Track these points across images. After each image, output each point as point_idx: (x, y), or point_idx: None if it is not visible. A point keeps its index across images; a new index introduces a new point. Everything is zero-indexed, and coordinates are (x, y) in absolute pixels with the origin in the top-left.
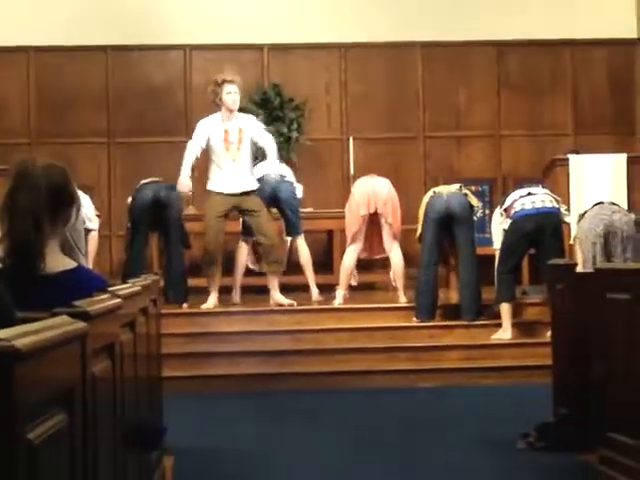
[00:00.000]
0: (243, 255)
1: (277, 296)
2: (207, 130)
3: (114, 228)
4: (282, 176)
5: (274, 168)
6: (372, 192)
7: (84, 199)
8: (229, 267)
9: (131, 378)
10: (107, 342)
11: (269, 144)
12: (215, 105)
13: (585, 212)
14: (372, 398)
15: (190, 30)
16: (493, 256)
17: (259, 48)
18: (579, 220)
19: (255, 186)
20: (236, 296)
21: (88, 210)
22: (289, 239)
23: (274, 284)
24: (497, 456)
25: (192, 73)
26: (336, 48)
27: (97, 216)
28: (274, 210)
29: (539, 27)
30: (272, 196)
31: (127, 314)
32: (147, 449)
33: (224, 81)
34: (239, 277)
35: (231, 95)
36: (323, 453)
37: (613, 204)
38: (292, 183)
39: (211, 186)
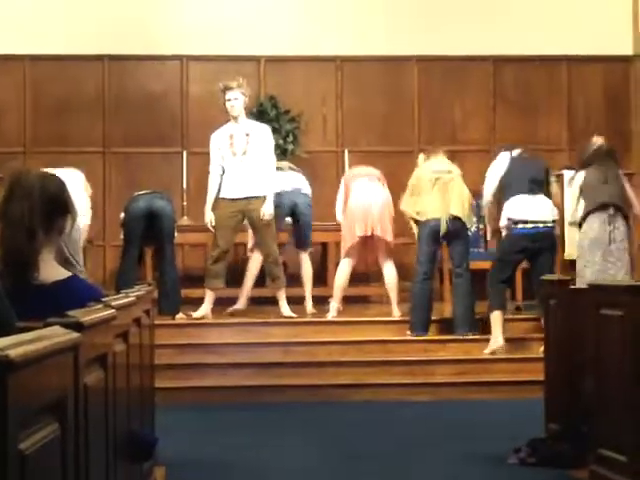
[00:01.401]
0: (256, 265)
1: (283, 308)
2: (217, 143)
3: (108, 238)
4: (298, 189)
5: (290, 182)
6: (368, 206)
7: (78, 183)
8: (228, 279)
9: (124, 389)
10: (100, 352)
11: (266, 163)
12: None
13: (587, 214)
14: (364, 411)
15: (187, 41)
16: (487, 270)
17: (256, 60)
18: (581, 223)
19: (264, 193)
20: (240, 304)
21: (82, 203)
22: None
23: (281, 296)
24: (488, 471)
25: (189, 84)
26: (332, 61)
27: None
28: (288, 219)
29: (535, 43)
30: (290, 208)
31: (120, 325)
32: (139, 460)
33: (225, 87)
34: (249, 285)
35: (230, 102)
36: (314, 465)
37: (616, 209)
38: (308, 195)
39: (220, 194)
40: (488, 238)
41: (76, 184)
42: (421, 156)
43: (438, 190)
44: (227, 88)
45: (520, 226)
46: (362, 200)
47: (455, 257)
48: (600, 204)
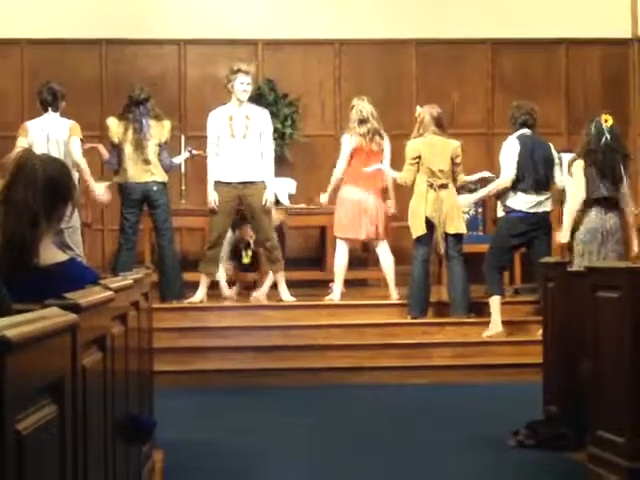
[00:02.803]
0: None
1: (283, 293)
2: (215, 124)
3: (107, 222)
4: None
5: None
6: (363, 208)
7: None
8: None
9: (122, 371)
10: (98, 334)
11: (266, 148)
12: (227, 92)
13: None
14: (362, 394)
15: (185, 25)
16: (483, 254)
17: (254, 43)
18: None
19: (262, 178)
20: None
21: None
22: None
23: (280, 280)
24: (487, 453)
25: (187, 68)
26: (330, 44)
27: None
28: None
29: (534, 26)
30: None
31: (119, 307)
32: (137, 442)
33: (239, 70)
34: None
35: (243, 85)
36: (312, 448)
37: (613, 202)
38: None
39: (217, 176)
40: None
41: (64, 132)
42: (418, 109)
43: (432, 196)
44: (244, 71)
45: (517, 208)
46: (354, 194)
47: (450, 241)
48: (598, 198)
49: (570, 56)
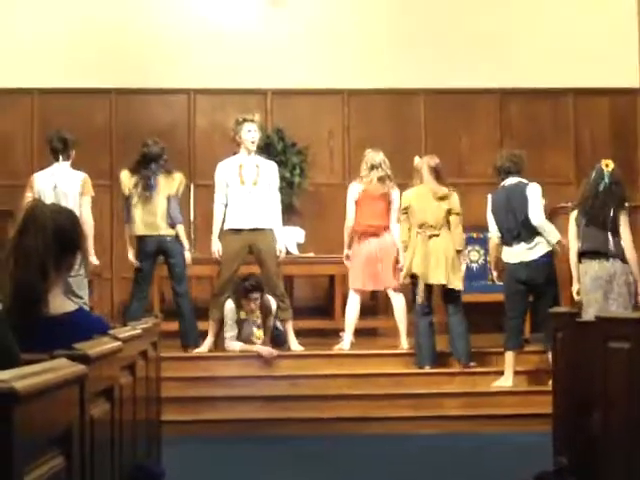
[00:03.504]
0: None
1: (292, 343)
2: (223, 174)
3: (116, 271)
4: None
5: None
6: (373, 257)
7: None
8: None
9: (130, 421)
10: (106, 385)
11: (272, 201)
12: (235, 144)
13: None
14: (372, 445)
15: (194, 74)
16: (493, 303)
17: (263, 93)
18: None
19: (271, 226)
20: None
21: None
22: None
23: (288, 329)
24: None
25: (196, 117)
26: (339, 94)
27: None
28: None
29: (542, 75)
30: None
31: (127, 357)
32: None
33: (245, 120)
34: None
35: (251, 133)
36: None
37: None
38: None
39: (225, 225)
40: (494, 274)
41: (76, 186)
42: (417, 159)
43: (421, 247)
44: (249, 120)
45: (512, 262)
46: (366, 248)
47: (449, 308)
48: (593, 250)
49: (578, 105)
